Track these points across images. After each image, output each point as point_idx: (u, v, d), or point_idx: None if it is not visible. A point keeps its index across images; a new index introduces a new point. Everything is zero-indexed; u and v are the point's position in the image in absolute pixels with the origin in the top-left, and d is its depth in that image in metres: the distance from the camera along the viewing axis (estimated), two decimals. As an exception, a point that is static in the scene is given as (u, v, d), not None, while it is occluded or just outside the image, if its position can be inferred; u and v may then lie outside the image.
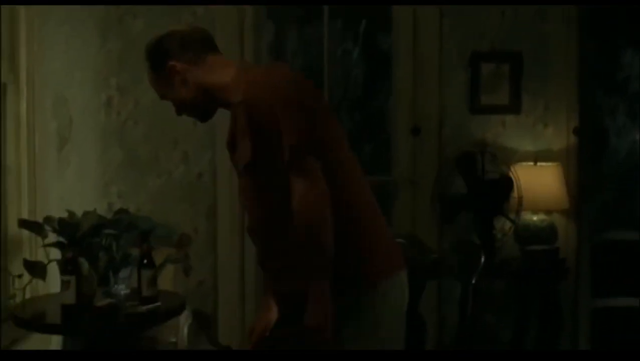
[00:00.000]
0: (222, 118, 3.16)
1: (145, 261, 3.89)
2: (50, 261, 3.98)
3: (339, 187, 2.90)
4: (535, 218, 5.33)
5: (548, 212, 5.37)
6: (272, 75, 2.98)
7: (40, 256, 4.17)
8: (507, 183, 5.17)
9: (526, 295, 5.40)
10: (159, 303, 3.89)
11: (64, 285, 3.73)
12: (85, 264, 3.82)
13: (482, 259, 4.26)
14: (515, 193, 5.20)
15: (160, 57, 3.05)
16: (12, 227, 4.32)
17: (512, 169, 5.26)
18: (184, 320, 5.15)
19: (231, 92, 2.97)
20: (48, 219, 4.00)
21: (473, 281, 3.97)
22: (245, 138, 2.90)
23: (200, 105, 3.08)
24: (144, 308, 3.84)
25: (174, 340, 5.11)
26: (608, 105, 9.51)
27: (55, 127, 4.84)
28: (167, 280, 4.94)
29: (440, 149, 5.54)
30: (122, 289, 4.07)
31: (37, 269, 3.96)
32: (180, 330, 5.12)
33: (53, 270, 4.11)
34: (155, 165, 5.57)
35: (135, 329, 4.02)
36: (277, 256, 3.04)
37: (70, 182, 5.03)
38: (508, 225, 5.30)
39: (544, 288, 5.26)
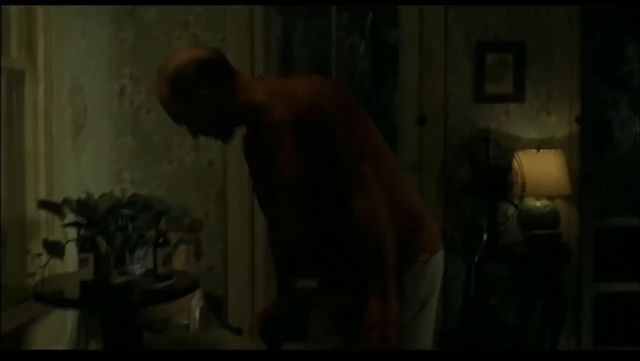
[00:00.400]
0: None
1: (160, 240, 4.03)
2: (68, 241, 4.11)
3: (389, 186, 3.00)
4: (538, 203, 5.45)
5: (551, 197, 5.49)
6: (314, 90, 2.97)
7: (57, 237, 4.30)
8: (510, 170, 5.29)
9: (530, 279, 5.53)
10: (173, 281, 4.03)
11: (82, 262, 3.87)
12: (102, 243, 3.95)
13: (485, 237, 4.38)
14: (518, 179, 5.32)
15: (186, 87, 2.98)
16: (30, 209, 4.46)
17: (515, 156, 5.38)
18: (196, 303, 5.29)
19: (267, 111, 2.98)
20: (66, 200, 4.13)
21: (476, 260, 4.09)
22: (292, 155, 2.94)
23: (226, 127, 3.08)
24: (159, 285, 3.98)
25: (185, 322, 5.24)
26: (612, 98, 9.63)
27: (70, 114, 4.97)
28: (179, 264, 5.07)
29: (446, 137, 5.66)
30: (137, 269, 4.20)
31: (55, 248, 4.09)
32: (191, 313, 5.26)
33: (69, 251, 4.25)
34: (167, 152, 5.70)
35: (151, 305, 4.15)
36: (332, 267, 3.14)
37: (85, 167, 5.16)
38: (511, 210, 5.42)
39: (547, 271, 5.39)
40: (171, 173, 5.70)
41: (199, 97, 2.98)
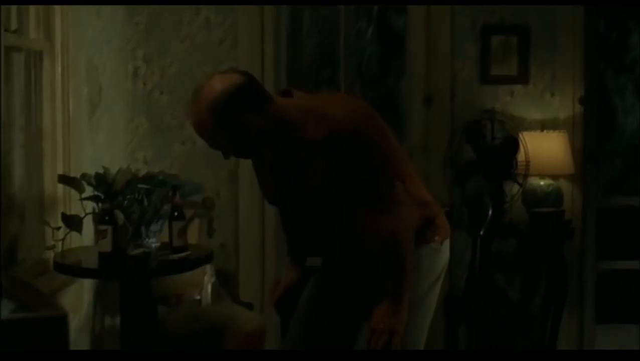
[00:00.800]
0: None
1: (175, 213, 4.17)
2: (86, 214, 4.25)
3: (411, 188, 3.26)
4: (542, 182, 5.58)
5: (554, 177, 5.63)
6: (350, 110, 3.13)
7: (75, 211, 4.44)
8: (514, 146, 5.42)
9: (533, 255, 5.66)
10: (188, 253, 4.18)
11: (101, 234, 4.01)
12: (120, 216, 4.10)
13: (490, 212, 4.51)
14: (522, 158, 5.45)
15: (228, 115, 3.04)
16: (48, 185, 4.60)
17: (520, 136, 5.51)
18: (208, 279, 5.42)
19: (301, 130, 3.12)
20: (84, 175, 4.27)
21: (481, 233, 4.22)
22: (325, 172, 3.13)
23: (259, 147, 3.20)
24: (175, 256, 4.12)
25: (198, 297, 5.38)
26: (617, 85, 9.74)
27: (86, 93, 5.10)
28: (192, 240, 5.20)
29: (452, 118, 5.80)
30: (153, 242, 4.34)
31: (73, 222, 4.24)
32: (204, 288, 5.39)
33: (86, 225, 4.39)
34: (179, 132, 5.84)
35: (167, 275, 4.29)
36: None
37: (100, 146, 5.29)
38: (516, 188, 5.55)
39: (550, 248, 5.52)
40: (183, 153, 5.83)
41: (240, 123, 3.06)
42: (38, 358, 2.79)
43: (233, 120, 3.06)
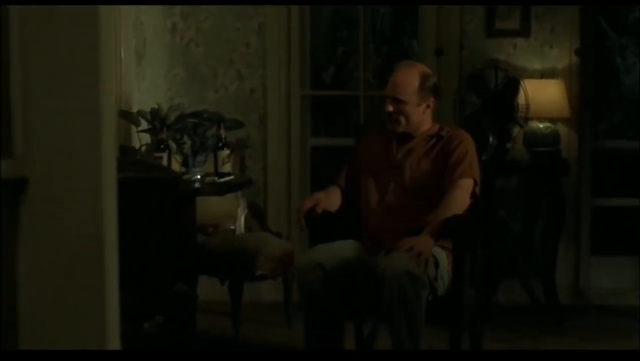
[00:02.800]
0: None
1: (220, 144, 4.80)
2: (142, 145, 4.88)
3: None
4: (541, 125, 6.19)
5: (552, 120, 6.23)
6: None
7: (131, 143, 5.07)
8: (514, 87, 6.03)
9: (534, 191, 6.28)
10: (232, 177, 4.81)
11: (156, 160, 4.64)
12: (173, 145, 4.73)
13: (491, 139, 5.12)
14: (523, 102, 6.06)
15: (428, 87, 4.47)
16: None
17: (521, 83, 6.12)
18: (241, 211, 6.05)
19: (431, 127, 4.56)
20: (140, 111, 4.90)
21: (483, 158, 4.79)
22: (443, 160, 4.46)
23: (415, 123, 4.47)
24: (221, 180, 4.76)
25: (232, 227, 6.01)
26: (619, 45, 10.32)
27: (134, 44, 5.72)
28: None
29: (461, 67, 6.42)
30: (199, 172, 4.97)
31: (130, 152, 4.87)
32: (237, 219, 6.03)
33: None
34: (213, 81, 6.46)
35: (215, 195, 4.92)
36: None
37: (145, 92, 5.92)
38: (517, 129, 6.17)
39: (549, 183, 6.12)
40: (217, 100, 6.45)
41: (426, 98, 4.44)
42: (39, 358, 3.36)
43: (426, 91, 4.48)
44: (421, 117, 4.47)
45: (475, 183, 4.46)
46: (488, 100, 6.10)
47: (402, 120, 4.43)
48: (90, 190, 1.07)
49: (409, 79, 4.43)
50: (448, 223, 4.30)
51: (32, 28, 1.07)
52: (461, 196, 4.38)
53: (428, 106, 4.48)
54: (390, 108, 4.42)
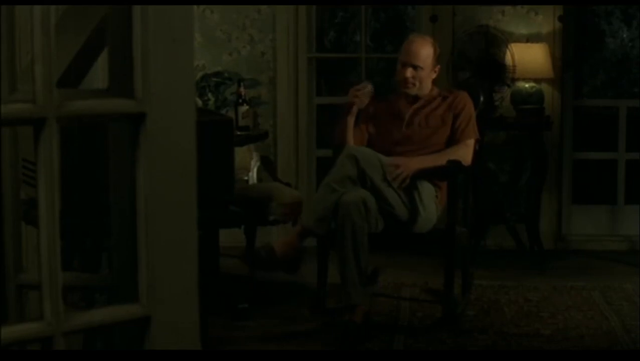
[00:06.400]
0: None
1: (240, 100, 5.39)
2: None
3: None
4: (526, 85, 6.77)
5: (537, 80, 6.82)
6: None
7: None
8: (503, 52, 6.64)
9: (520, 145, 6.89)
10: (250, 130, 5.40)
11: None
12: (199, 100, 5.31)
13: (481, 98, 5.72)
14: (510, 64, 6.65)
15: (437, 59, 5.33)
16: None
17: (508, 46, 6.71)
18: (254, 163, 6.63)
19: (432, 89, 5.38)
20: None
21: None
22: (450, 117, 5.27)
23: (425, 86, 5.29)
24: (241, 133, 5.35)
25: (246, 178, 6.59)
26: (605, 11, 10.94)
27: (157, 10, 6.28)
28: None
29: (454, 32, 7.00)
30: (219, 125, 5.56)
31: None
32: (251, 170, 6.61)
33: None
34: (227, 45, 7.03)
35: (236, 146, 5.50)
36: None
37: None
38: (505, 89, 6.77)
39: (533, 137, 6.74)
40: (231, 62, 7.02)
41: (435, 65, 5.31)
42: (39, 357, 3.80)
43: (436, 63, 5.38)
44: (430, 82, 5.13)
45: (476, 142, 5.28)
46: (479, 62, 6.70)
47: (417, 84, 5.13)
48: (184, 123, 1.61)
49: (426, 48, 5.22)
50: (446, 167, 4.96)
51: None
52: (466, 152, 5.22)
53: (435, 72, 5.14)
54: (409, 74, 5.07)
